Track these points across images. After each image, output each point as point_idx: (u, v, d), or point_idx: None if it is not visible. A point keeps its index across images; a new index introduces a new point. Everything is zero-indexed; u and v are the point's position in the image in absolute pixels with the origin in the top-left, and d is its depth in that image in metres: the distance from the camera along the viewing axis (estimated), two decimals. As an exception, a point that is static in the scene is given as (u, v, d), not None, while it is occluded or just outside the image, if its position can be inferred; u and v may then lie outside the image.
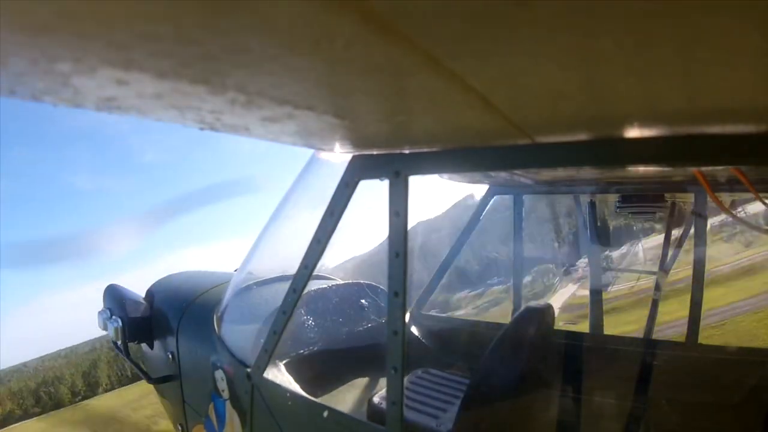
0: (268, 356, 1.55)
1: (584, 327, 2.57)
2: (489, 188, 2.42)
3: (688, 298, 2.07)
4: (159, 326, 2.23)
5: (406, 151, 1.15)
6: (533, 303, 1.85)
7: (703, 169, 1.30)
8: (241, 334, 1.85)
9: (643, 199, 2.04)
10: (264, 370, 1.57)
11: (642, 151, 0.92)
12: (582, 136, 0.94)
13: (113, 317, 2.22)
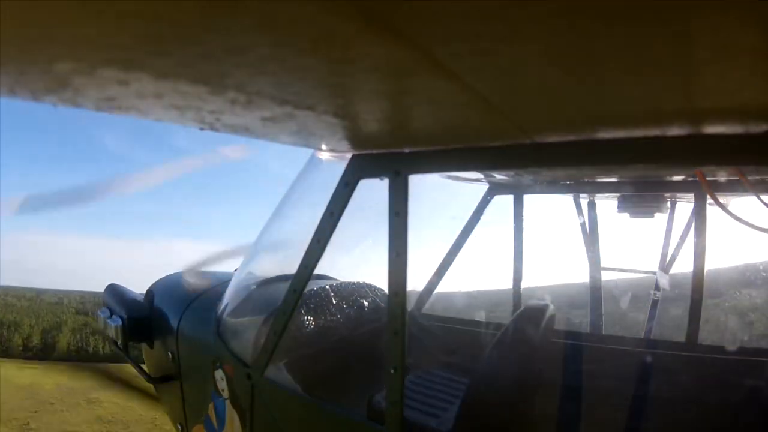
0: (268, 356, 1.55)
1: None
2: (489, 188, 2.42)
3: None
4: (159, 326, 2.22)
5: (406, 151, 1.15)
6: (533, 303, 1.85)
7: (703, 169, 1.30)
8: (241, 334, 1.85)
9: (643, 199, 2.04)
10: (264, 369, 1.57)
11: (642, 151, 0.92)
12: (582, 136, 0.94)
13: (113, 316, 2.22)
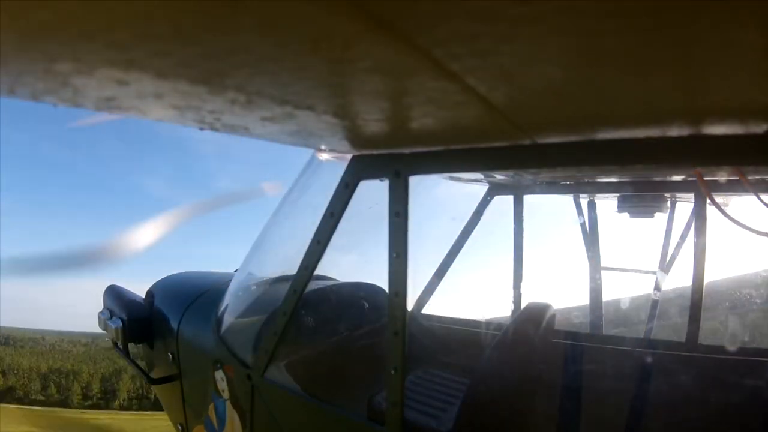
0: (268, 357, 1.55)
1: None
2: (489, 188, 2.42)
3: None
4: (159, 326, 2.22)
5: (406, 151, 1.15)
6: (534, 303, 1.85)
7: (703, 169, 1.30)
8: (241, 335, 1.85)
9: (643, 199, 2.04)
10: (264, 370, 1.57)
11: (642, 151, 0.92)
12: (582, 136, 0.94)
13: (114, 317, 2.22)
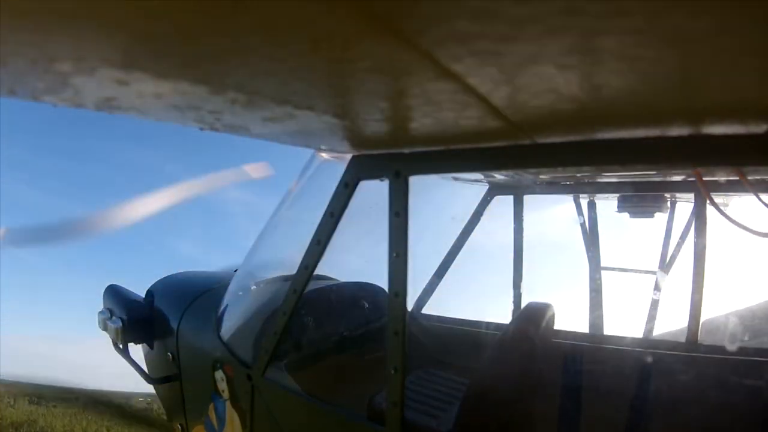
0: (268, 357, 1.55)
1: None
2: (489, 188, 2.42)
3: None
4: (159, 326, 2.22)
5: (406, 151, 1.15)
6: (534, 303, 1.85)
7: (704, 169, 1.30)
8: (241, 335, 1.85)
9: (643, 199, 2.04)
10: (264, 370, 1.57)
11: (642, 151, 0.92)
12: (582, 136, 0.94)
13: (113, 317, 2.22)
